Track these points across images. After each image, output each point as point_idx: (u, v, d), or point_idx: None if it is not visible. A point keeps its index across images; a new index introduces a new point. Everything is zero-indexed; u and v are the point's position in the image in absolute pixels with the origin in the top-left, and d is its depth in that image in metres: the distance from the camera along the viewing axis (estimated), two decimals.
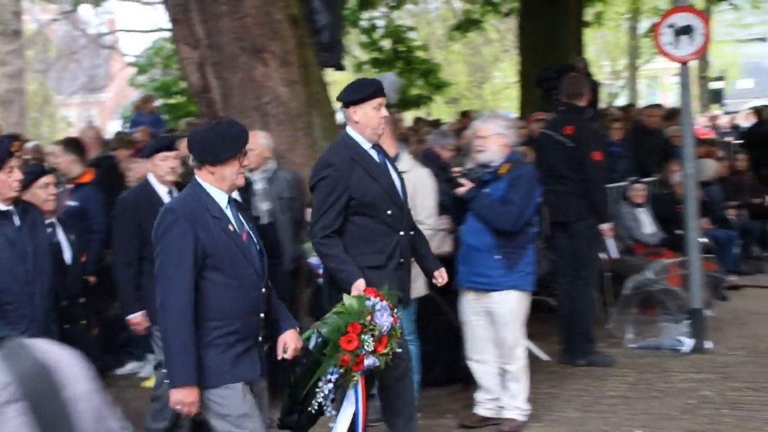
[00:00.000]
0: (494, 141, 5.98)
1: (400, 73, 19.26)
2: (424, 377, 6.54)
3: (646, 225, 9.78)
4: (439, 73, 21.87)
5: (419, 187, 6.07)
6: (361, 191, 4.93)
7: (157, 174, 5.93)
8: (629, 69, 35.37)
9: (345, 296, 4.49)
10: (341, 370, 4.35)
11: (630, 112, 13.57)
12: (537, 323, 8.20)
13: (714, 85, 36.40)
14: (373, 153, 5.06)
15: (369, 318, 4.37)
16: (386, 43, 21.25)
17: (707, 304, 8.77)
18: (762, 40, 48.82)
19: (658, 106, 12.73)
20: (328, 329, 4.37)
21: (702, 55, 7.45)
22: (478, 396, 6.25)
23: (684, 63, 7.47)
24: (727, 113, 24.59)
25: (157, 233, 4.07)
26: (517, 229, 5.88)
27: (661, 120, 11.58)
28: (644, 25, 29.47)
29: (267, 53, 7.16)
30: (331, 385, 4.38)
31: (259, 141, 6.48)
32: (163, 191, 5.89)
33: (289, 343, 4.24)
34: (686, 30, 7.30)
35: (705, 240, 9.52)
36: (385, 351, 4.39)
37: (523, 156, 6.93)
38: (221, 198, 4.15)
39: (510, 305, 5.96)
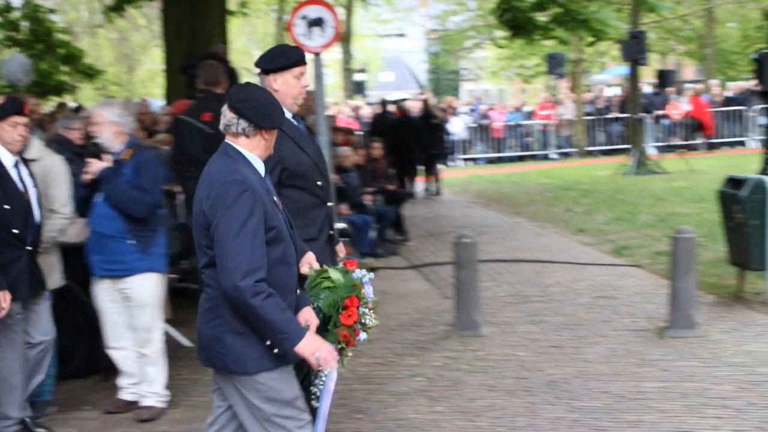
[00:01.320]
0: (108, 128, 5.96)
1: (40, 56, 18.34)
2: (62, 369, 6.41)
3: None
4: (82, 58, 21.05)
5: (51, 177, 5.94)
6: (293, 162, 4.65)
7: (4, 141, 5.38)
8: None
9: (330, 270, 4.19)
10: (339, 346, 4.08)
11: None
12: (181, 310, 8.22)
13: (357, 77, 38.07)
14: (295, 122, 4.81)
15: (362, 291, 4.13)
16: (26, 24, 20.15)
17: None
18: (401, 35, 51.62)
19: None
20: (326, 305, 4.08)
21: (332, 45, 7.78)
22: (121, 381, 6.23)
23: (317, 54, 7.77)
24: (369, 104, 25.83)
25: (221, 205, 3.62)
26: (150, 214, 5.92)
27: (304, 109, 11.95)
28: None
29: None
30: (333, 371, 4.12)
31: None
32: (8, 161, 5.40)
33: (310, 319, 3.92)
34: (318, 22, 7.60)
35: (343, 225, 10.01)
36: (372, 325, 4.13)
37: (144, 140, 6.91)
38: (260, 168, 3.83)
39: (147, 288, 6.00)
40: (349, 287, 4.11)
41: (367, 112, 24.49)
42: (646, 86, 26.47)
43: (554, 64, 24.80)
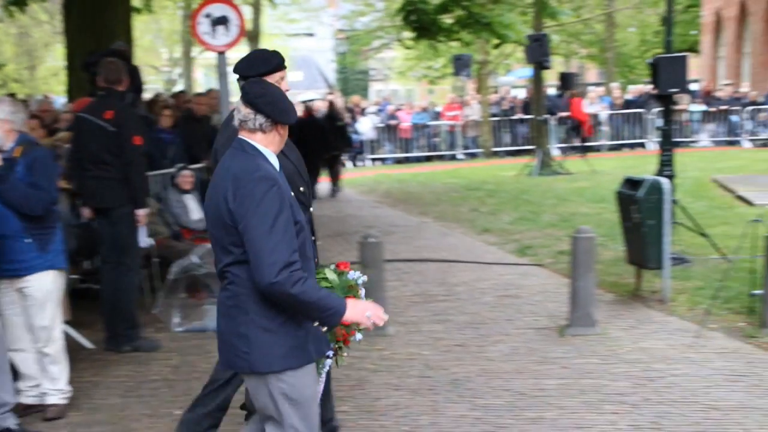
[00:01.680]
0: None
1: None
2: None
3: (194, 211, 9.95)
4: None
5: None
6: None
7: None
8: (184, 57, 35.66)
9: (326, 271, 4.16)
10: (336, 346, 4.07)
11: (181, 99, 13.73)
12: (82, 311, 8.11)
13: None
14: None
15: (359, 292, 4.12)
16: None
17: None
18: (310, 35, 51.54)
19: (206, 93, 12.99)
20: None
21: (237, 44, 7.72)
22: (20, 385, 6.10)
23: (221, 52, 7.71)
24: None
25: (251, 203, 3.61)
26: (47, 212, 5.85)
27: (210, 108, 11.85)
28: None
29: None
30: (330, 362, 4.14)
31: None
32: None
33: None
34: (222, 20, 7.54)
35: None
36: (364, 326, 4.03)
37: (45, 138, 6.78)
38: (276, 163, 3.82)
39: (47, 286, 5.93)
40: (345, 288, 4.14)
41: None
42: (551, 88, 26.94)
43: (460, 66, 25.04)
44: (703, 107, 26.68)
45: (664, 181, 8.34)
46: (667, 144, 10.39)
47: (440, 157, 26.56)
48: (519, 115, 26.52)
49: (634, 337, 7.44)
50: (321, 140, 16.64)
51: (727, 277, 8.16)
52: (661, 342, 7.27)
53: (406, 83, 49.03)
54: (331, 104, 18.52)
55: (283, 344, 3.72)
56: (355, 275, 4.13)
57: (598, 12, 35.08)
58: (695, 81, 33.57)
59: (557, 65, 38.48)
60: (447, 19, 17.29)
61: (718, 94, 27.37)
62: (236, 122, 3.82)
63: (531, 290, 9.21)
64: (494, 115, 26.72)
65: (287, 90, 4.61)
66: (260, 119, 3.75)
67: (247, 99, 3.77)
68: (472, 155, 26.65)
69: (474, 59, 26.72)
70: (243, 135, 3.80)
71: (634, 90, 28.21)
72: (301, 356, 3.76)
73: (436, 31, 16.85)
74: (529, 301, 8.83)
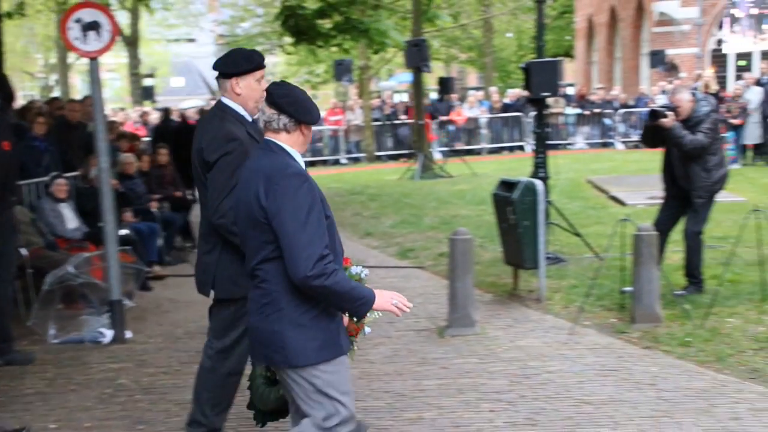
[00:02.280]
0: None
1: None
2: None
3: (69, 220, 9.74)
4: None
5: None
6: None
7: None
8: (60, 63, 34.77)
9: None
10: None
11: (55, 106, 13.39)
12: None
13: (146, 81, 37.19)
14: (257, 126, 4.72)
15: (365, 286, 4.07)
16: None
17: (128, 295, 9.03)
18: (191, 40, 50.97)
19: (82, 100, 12.72)
20: None
21: (110, 50, 7.56)
22: None
23: (93, 58, 7.57)
24: (157, 110, 25.30)
25: (284, 199, 3.71)
26: None
27: (85, 114, 11.60)
28: None
29: None
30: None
31: None
32: None
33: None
34: (93, 26, 7.40)
35: (126, 232, 9.78)
36: (372, 318, 4.07)
37: None
38: (301, 162, 3.92)
39: None
40: None
41: (155, 117, 23.99)
42: (433, 93, 27.27)
43: (342, 71, 25.12)
44: (577, 111, 27.43)
45: (538, 183, 8.56)
46: (541, 147, 10.67)
47: (324, 162, 26.59)
48: (401, 119, 26.76)
49: (511, 335, 7.61)
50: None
51: (599, 275, 8.43)
52: (537, 340, 7.46)
53: None
54: (203, 111, 18.38)
55: (316, 338, 3.83)
56: (358, 269, 4.17)
57: (476, 18, 35.72)
58: (570, 85, 34.54)
59: (438, 70, 39.04)
60: (325, 25, 17.37)
61: (592, 97, 28.20)
62: (261, 123, 3.93)
63: (412, 292, 9.31)
64: (376, 120, 26.91)
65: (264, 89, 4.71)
66: (284, 119, 3.85)
67: (271, 100, 3.87)
68: (356, 159, 26.77)
69: (355, 64, 26.87)
70: (269, 136, 3.90)
71: (512, 94, 28.81)
72: (334, 349, 3.88)
73: (314, 36, 16.92)
74: (411, 303, 8.90)
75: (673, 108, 8.19)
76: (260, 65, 4.78)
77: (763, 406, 5.77)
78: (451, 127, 27.00)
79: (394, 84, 42.34)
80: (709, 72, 24.79)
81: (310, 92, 34.63)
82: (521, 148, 26.83)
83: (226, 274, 4.91)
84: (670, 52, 29.32)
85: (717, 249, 9.66)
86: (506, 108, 27.61)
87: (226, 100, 4.86)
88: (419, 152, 20.93)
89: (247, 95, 4.76)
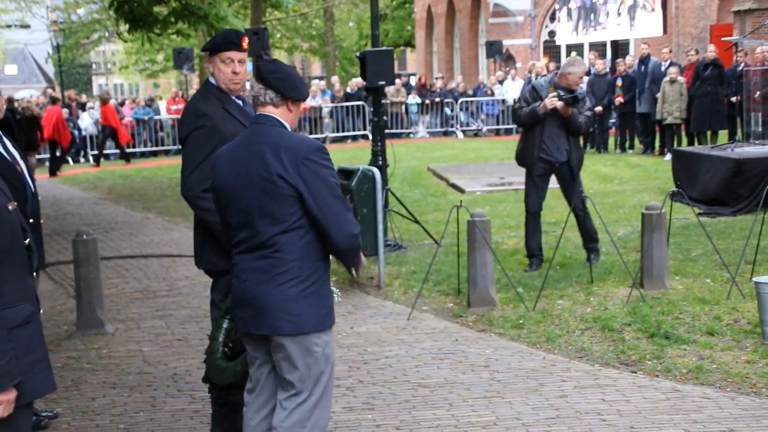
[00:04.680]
0: None
1: None
2: None
3: None
4: None
5: None
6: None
7: None
8: None
9: None
10: None
11: None
12: None
13: None
14: (240, 103, 4.82)
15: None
16: None
17: None
18: (25, 26, 49.02)
19: None
20: None
21: None
22: None
23: None
24: None
25: (318, 171, 3.87)
26: None
27: None
28: None
29: None
30: None
31: None
32: None
33: None
34: None
35: None
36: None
37: None
38: None
39: None
40: None
41: None
42: None
43: (182, 60, 24.71)
44: (419, 100, 27.89)
45: (376, 171, 8.70)
46: (379, 135, 10.82)
47: (166, 152, 26.13)
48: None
49: (351, 322, 7.71)
50: (11, 137, 15.90)
51: (437, 261, 8.63)
52: (376, 326, 7.59)
53: (129, 77, 47.74)
54: (9, 100, 17.78)
55: (323, 305, 4.00)
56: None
57: (317, 6, 35.77)
58: (412, 75, 35.07)
59: (282, 59, 38.88)
60: (162, 11, 17.04)
61: (433, 87, 28.71)
62: (250, 99, 4.08)
63: None
64: None
65: (236, 72, 4.78)
66: (270, 94, 3.97)
67: (259, 75, 4.00)
68: None
69: (196, 53, 26.49)
70: (260, 110, 4.02)
71: (354, 83, 29.03)
72: (332, 317, 4.08)
73: (151, 23, 16.55)
74: None
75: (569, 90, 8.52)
76: (224, 47, 4.77)
77: (589, 383, 6.04)
78: None
79: None
80: (541, 63, 25.65)
81: (149, 81, 33.90)
82: (365, 137, 27.08)
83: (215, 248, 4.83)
84: (506, 42, 30.19)
85: (549, 234, 10.03)
86: (348, 97, 27.79)
87: (210, 78, 4.95)
88: None
89: (216, 75, 4.82)
